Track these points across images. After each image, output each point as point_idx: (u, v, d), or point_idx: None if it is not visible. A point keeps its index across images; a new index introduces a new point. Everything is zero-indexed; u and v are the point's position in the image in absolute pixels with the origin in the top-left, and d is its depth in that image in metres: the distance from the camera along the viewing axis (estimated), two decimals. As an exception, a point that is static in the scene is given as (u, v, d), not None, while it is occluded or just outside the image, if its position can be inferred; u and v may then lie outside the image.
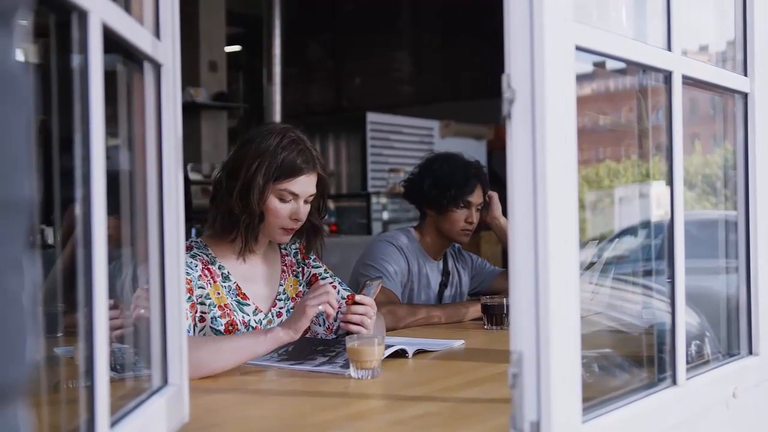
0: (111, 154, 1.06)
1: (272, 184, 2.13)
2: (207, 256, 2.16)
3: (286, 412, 1.62)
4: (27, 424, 0.57)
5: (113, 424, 1.06)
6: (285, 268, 2.33)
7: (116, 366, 1.34)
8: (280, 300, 2.28)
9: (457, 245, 3.13)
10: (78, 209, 0.98)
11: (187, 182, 4.97)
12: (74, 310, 1.04)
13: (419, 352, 2.13)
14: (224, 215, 2.16)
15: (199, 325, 2.09)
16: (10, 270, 0.52)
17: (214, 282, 2.14)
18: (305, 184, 2.17)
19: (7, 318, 0.52)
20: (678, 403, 1.46)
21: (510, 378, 1.15)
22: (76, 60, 0.98)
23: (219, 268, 2.18)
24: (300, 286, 2.35)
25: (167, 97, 1.33)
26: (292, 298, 2.31)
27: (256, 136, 2.17)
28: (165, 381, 1.33)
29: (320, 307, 1.94)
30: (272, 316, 2.24)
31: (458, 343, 2.29)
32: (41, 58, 1.03)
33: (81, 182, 0.97)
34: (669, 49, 1.47)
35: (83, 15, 0.96)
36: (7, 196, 0.51)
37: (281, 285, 2.30)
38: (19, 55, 0.56)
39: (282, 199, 2.15)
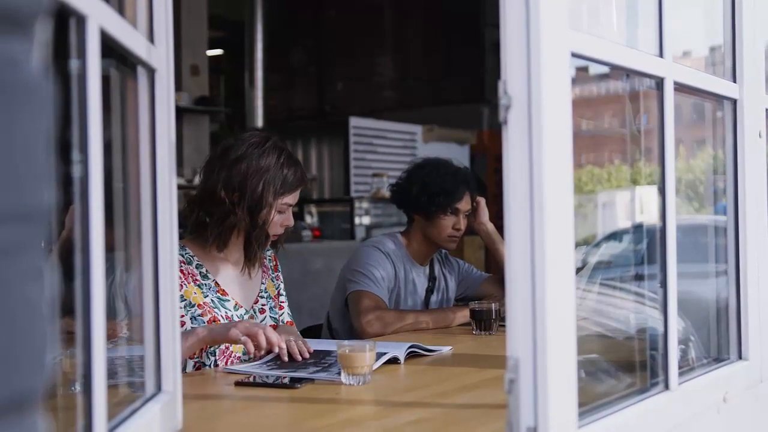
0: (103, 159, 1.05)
1: (277, 200, 2.23)
2: (183, 256, 2.19)
3: (279, 419, 1.61)
4: (45, 431, 0.57)
5: (109, 431, 1.05)
6: (265, 268, 2.42)
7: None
8: (262, 297, 2.37)
9: (443, 250, 3.13)
10: (75, 214, 0.97)
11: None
12: (62, 316, 1.03)
13: (411, 356, 2.14)
14: (228, 230, 2.22)
15: (180, 340, 2.10)
16: (30, 278, 0.52)
17: (189, 282, 2.19)
18: (298, 194, 2.31)
19: (28, 326, 0.52)
20: (671, 407, 1.47)
21: (507, 384, 1.15)
22: (73, 64, 0.97)
23: (197, 267, 2.23)
24: (276, 289, 2.44)
25: (161, 102, 1.32)
26: (273, 297, 2.40)
27: (250, 152, 2.22)
28: (159, 388, 1.32)
29: (243, 338, 1.94)
30: (254, 312, 2.33)
31: (447, 349, 2.30)
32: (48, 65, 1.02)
33: (78, 187, 0.97)
34: (661, 55, 1.48)
35: (81, 20, 0.95)
36: (28, 204, 0.51)
37: (263, 283, 2.39)
38: (38, 63, 0.55)
39: (281, 212, 2.26)
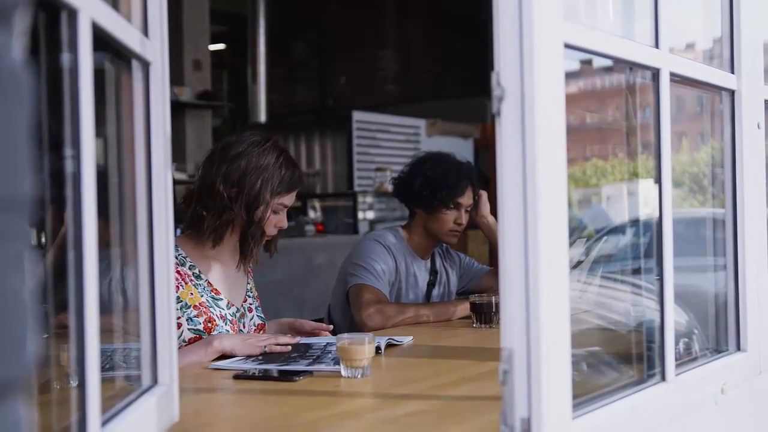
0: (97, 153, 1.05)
1: (274, 199, 2.24)
2: (176, 257, 2.20)
3: (276, 412, 1.61)
4: (27, 420, 0.57)
5: (104, 423, 1.05)
6: (249, 269, 2.45)
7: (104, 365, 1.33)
8: (249, 296, 2.40)
9: (445, 244, 3.13)
10: (68, 210, 0.97)
11: (172, 182, 5.00)
12: (59, 311, 1.03)
13: (389, 346, 2.18)
14: (224, 225, 2.23)
15: (176, 332, 2.12)
16: (12, 267, 0.52)
17: (186, 283, 2.21)
18: (294, 197, 2.32)
19: (9, 315, 0.52)
20: (667, 398, 1.47)
21: (501, 375, 1.15)
22: (65, 58, 0.97)
23: (189, 268, 2.25)
24: (255, 290, 2.48)
25: (156, 96, 1.33)
26: (256, 296, 2.45)
27: (250, 150, 2.24)
28: (155, 380, 1.33)
29: (266, 348, 2.08)
30: (244, 311, 2.36)
31: (408, 339, 2.32)
32: (28, 56, 1.02)
33: (71, 182, 0.97)
34: (657, 46, 1.48)
35: (73, 13, 0.95)
36: (9, 193, 0.51)
37: (248, 284, 2.42)
38: (18, 53, 0.55)
39: (275, 212, 2.27)
